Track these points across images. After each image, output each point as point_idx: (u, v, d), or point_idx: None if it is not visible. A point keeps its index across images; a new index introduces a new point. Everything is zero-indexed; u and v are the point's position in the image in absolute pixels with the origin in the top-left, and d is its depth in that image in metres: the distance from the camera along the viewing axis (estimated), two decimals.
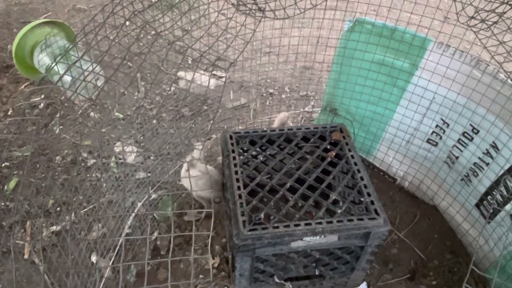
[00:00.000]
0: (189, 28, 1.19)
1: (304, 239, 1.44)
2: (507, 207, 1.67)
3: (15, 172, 2.13)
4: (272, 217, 1.46)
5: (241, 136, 1.73)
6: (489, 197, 1.77)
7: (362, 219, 1.44)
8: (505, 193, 1.68)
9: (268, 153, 1.71)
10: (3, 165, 2.16)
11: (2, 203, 2.00)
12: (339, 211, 1.47)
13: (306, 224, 1.42)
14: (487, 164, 1.74)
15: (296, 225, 1.41)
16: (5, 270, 1.76)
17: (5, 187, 2.05)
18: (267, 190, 1.54)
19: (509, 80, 1.54)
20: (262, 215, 1.44)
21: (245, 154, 1.68)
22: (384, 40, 1.80)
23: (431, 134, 1.95)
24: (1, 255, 1.79)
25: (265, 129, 1.77)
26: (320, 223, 1.42)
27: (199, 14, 1.31)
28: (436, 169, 2.00)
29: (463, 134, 1.81)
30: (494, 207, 1.74)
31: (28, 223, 1.91)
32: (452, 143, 1.88)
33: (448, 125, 1.86)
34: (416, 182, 2.10)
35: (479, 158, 1.77)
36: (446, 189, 1.97)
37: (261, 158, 1.69)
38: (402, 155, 2.09)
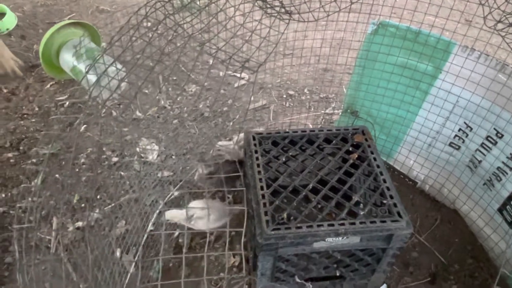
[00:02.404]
0: (217, 31, 1.21)
1: (326, 240, 1.45)
2: None
3: (41, 169, 2.19)
4: (293, 218, 1.48)
5: (263, 137, 1.75)
6: None
7: (384, 221, 1.44)
8: None
9: (290, 154, 1.73)
10: (29, 161, 2.23)
11: (30, 199, 2.06)
12: (362, 212, 1.48)
13: (329, 225, 1.43)
14: (511, 168, 1.73)
15: (319, 226, 1.42)
16: (32, 263, 1.82)
17: (32, 183, 2.12)
18: (290, 191, 1.56)
19: None
20: (285, 215, 1.46)
21: (268, 155, 1.70)
22: (408, 43, 1.80)
23: (454, 137, 1.94)
24: (29, 249, 1.85)
25: (287, 130, 1.79)
26: (343, 224, 1.43)
27: (226, 17, 1.33)
28: (458, 173, 1.99)
29: (487, 138, 1.80)
30: None
31: (54, 218, 1.96)
32: (475, 147, 1.86)
33: (471, 129, 1.85)
34: (437, 186, 2.09)
35: (502, 162, 1.76)
36: (468, 193, 1.96)
37: (283, 159, 1.71)
38: (423, 159, 2.09)
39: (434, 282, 1.84)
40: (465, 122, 1.86)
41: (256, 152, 1.69)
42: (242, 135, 2.04)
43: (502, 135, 1.73)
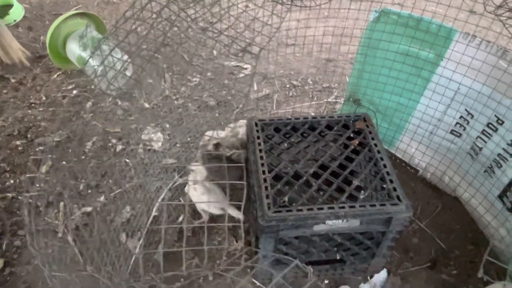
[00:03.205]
0: (220, 17, 1.24)
1: (326, 223, 1.48)
2: None
3: (48, 156, 2.23)
4: (294, 202, 1.51)
5: (266, 124, 1.78)
6: None
7: (384, 205, 1.47)
8: None
9: (292, 140, 1.76)
10: (37, 149, 2.27)
11: (37, 185, 2.10)
12: (362, 196, 1.51)
13: (329, 208, 1.46)
14: (511, 155, 1.74)
15: (319, 209, 1.45)
16: (40, 247, 1.86)
17: (39, 170, 2.16)
18: (291, 175, 1.58)
19: None
20: (286, 198, 1.49)
21: (270, 141, 1.73)
22: (410, 31, 1.81)
23: (455, 125, 1.95)
24: (37, 234, 1.89)
25: (289, 117, 1.81)
26: (343, 207, 1.46)
27: (229, 2, 1.36)
28: (459, 160, 2.00)
29: (488, 125, 1.81)
30: None
31: (61, 204, 2.01)
32: (476, 134, 1.88)
33: (472, 116, 1.86)
34: (438, 173, 2.11)
35: (503, 149, 1.77)
36: (469, 180, 1.98)
37: (285, 145, 1.74)
38: (425, 146, 2.10)
39: (434, 268, 1.86)
40: (466, 109, 1.87)
41: (258, 138, 1.71)
42: (238, 123, 2.07)
43: (503, 122, 1.74)
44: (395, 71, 1.96)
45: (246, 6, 1.24)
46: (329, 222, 1.47)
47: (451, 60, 1.79)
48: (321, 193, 1.54)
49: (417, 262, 1.87)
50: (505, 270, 1.80)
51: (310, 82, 2.79)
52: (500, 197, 1.84)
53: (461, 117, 1.91)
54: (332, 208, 1.45)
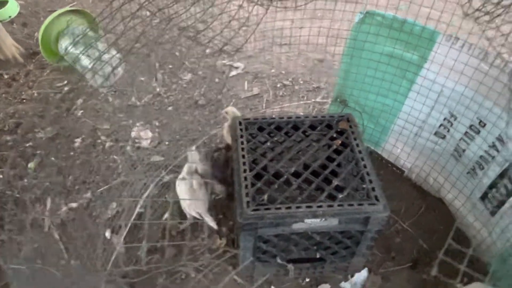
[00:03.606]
0: (200, 17, 1.25)
1: (305, 221, 1.49)
2: (511, 199, 1.68)
3: (37, 152, 2.26)
4: (275, 201, 1.52)
5: (250, 122, 1.80)
6: (493, 190, 1.78)
7: (362, 204, 1.49)
8: (509, 186, 1.70)
9: (275, 139, 1.78)
10: (27, 145, 2.30)
11: (25, 180, 2.12)
12: (340, 196, 1.52)
13: (308, 207, 1.47)
14: (493, 157, 1.76)
15: (297, 207, 1.47)
16: (26, 241, 1.89)
17: (28, 165, 2.18)
18: (272, 174, 1.60)
19: None
20: (265, 197, 1.51)
21: (253, 139, 1.75)
22: (394, 32, 1.83)
23: (439, 127, 1.96)
24: (23, 228, 1.92)
25: (273, 116, 1.83)
26: (321, 206, 1.48)
27: (211, 3, 1.37)
28: (443, 162, 2.02)
29: (470, 127, 1.82)
30: (498, 200, 1.76)
31: (48, 199, 2.03)
32: (459, 136, 1.89)
33: (455, 118, 1.88)
34: (423, 174, 2.13)
35: (485, 151, 1.79)
36: (453, 181, 1.99)
37: (269, 144, 1.76)
38: (410, 147, 2.12)
39: (415, 268, 1.87)
40: (449, 111, 1.89)
41: (241, 136, 1.73)
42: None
43: (485, 124, 1.76)
44: (380, 72, 1.97)
45: (225, 7, 1.25)
46: (307, 220, 1.49)
47: (435, 62, 1.80)
48: (301, 192, 1.56)
49: (399, 262, 1.89)
50: (486, 271, 1.81)
51: (301, 82, 2.80)
52: (482, 198, 1.86)
53: (444, 119, 1.93)
54: (311, 207, 1.47)
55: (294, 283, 1.78)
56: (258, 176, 1.59)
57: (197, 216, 1.86)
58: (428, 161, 2.08)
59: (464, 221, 1.97)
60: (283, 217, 1.46)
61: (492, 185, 1.78)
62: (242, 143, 1.70)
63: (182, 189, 1.88)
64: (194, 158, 1.95)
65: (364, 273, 1.82)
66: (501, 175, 1.73)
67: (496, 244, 1.77)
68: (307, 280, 1.80)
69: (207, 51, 2.93)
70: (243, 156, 1.64)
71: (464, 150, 1.89)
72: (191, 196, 1.83)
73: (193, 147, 2.04)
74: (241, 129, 1.76)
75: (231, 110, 2.03)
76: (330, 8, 1.83)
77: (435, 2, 1.64)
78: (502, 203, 1.75)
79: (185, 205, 1.86)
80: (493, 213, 1.80)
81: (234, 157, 1.67)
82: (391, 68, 1.93)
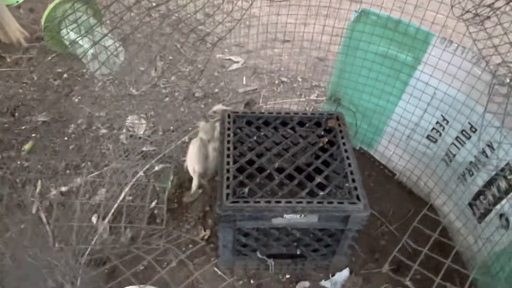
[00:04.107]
0: (186, 4, 1.26)
1: (284, 217, 1.49)
2: (497, 207, 1.66)
3: (33, 135, 2.29)
4: (256, 195, 1.52)
5: (238, 116, 1.80)
6: (481, 196, 1.76)
7: (342, 203, 1.48)
8: (497, 193, 1.67)
9: (262, 133, 1.78)
10: (23, 127, 2.33)
11: (18, 162, 2.16)
12: (321, 193, 1.52)
13: (287, 202, 1.47)
14: (483, 164, 1.73)
15: (277, 202, 1.47)
16: (14, 222, 1.92)
17: (22, 148, 2.21)
18: (256, 168, 1.60)
19: (507, 79, 1.52)
20: (246, 190, 1.51)
21: (240, 133, 1.75)
22: (389, 32, 1.81)
23: (431, 130, 1.94)
24: (13, 208, 1.95)
25: (262, 111, 1.83)
26: (301, 202, 1.47)
27: None
28: (433, 166, 2.00)
29: (462, 132, 1.80)
30: (485, 207, 1.73)
31: (39, 181, 2.06)
32: (450, 141, 1.87)
33: (447, 122, 1.85)
34: (413, 178, 2.11)
35: (475, 157, 1.76)
36: (442, 186, 1.97)
37: (255, 138, 1.76)
38: (402, 150, 2.10)
39: (398, 270, 1.86)
40: (442, 115, 1.86)
41: (228, 129, 1.73)
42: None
43: (476, 129, 1.74)
44: (374, 72, 1.95)
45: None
46: (287, 216, 1.49)
47: (428, 64, 1.78)
48: (283, 187, 1.55)
49: (381, 264, 1.87)
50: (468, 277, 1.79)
51: (300, 80, 2.79)
52: (470, 205, 1.84)
53: (437, 122, 1.90)
54: (290, 202, 1.47)
55: (274, 279, 1.78)
56: (241, 170, 1.59)
57: (191, 173, 1.91)
58: (419, 164, 2.06)
59: (451, 227, 1.95)
60: (262, 211, 1.46)
61: (480, 192, 1.76)
62: (228, 135, 1.70)
63: (191, 147, 1.94)
64: (206, 129, 2.00)
65: (345, 272, 1.81)
66: (489, 182, 1.71)
67: (481, 252, 1.75)
68: (287, 276, 1.79)
69: (208, 44, 2.94)
70: (228, 149, 1.65)
71: (454, 155, 1.87)
72: (196, 154, 1.89)
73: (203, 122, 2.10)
74: (229, 122, 1.76)
75: (220, 109, 2.05)
76: (335, 6, 1.83)
77: (430, 3, 1.62)
78: (489, 210, 1.73)
79: (188, 160, 1.92)
80: (480, 221, 1.78)
81: (220, 149, 1.68)
82: (385, 68, 1.92)
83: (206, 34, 1.19)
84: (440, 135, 1.92)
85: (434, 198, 2.03)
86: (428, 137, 1.97)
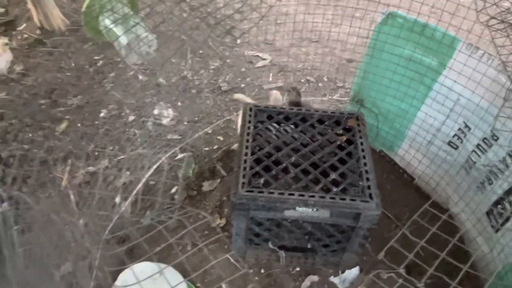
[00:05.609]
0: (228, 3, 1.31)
1: (297, 209, 1.53)
2: None
3: (66, 117, 2.42)
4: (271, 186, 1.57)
5: (260, 110, 1.85)
6: (499, 206, 1.74)
7: (354, 200, 1.51)
8: None
9: (282, 128, 1.82)
10: (58, 110, 2.47)
11: (51, 142, 2.29)
12: (335, 189, 1.55)
13: (300, 195, 1.51)
14: (502, 172, 1.72)
15: (290, 194, 1.51)
16: (44, 197, 2.04)
17: (56, 128, 2.35)
18: (272, 161, 1.65)
19: None
20: (261, 181, 1.56)
21: (260, 126, 1.80)
22: (415, 36, 1.81)
23: (453, 136, 1.93)
24: (44, 184, 2.08)
25: (283, 106, 1.87)
26: (313, 196, 1.51)
27: None
28: (453, 173, 1.98)
29: (483, 139, 1.79)
30: (503, 217, 1.71)
31: (69, 161, 2.18)
32: (471, 148, 1.85)
33: (470, 129, 1.84)
34: (432, 183, 2.10)
35: (495, 165, 1.75)
36: (460, 194, 1.95)
37: (274, 132, 1.80)
38: (422, 155, 2.09)
39: (408, 274, 1.86)
40: (464, 122, 1.85)
41: (249, 122, 1.79)
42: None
43: (498, 138, 1.72)
44: (399, 75, 1.96)
45: None
46: (299, 209, 1.53)
47: (453, 69, 1.78)
48: (298, 181, 1.59)
49: (393, 266, 1.88)
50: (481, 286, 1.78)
51: (326, 80, 2.82)
52: (488, 214, 1.82)
53: (459, 129, 1.89)
54: (303, 195, 1.51)
55: (284, 270, 1.82)
56: (258, 161, 1.64)
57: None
58: (438, 170, 2.05)
59: (467, 235, 1.94)
60: (275, 202, 1.51)
61: (499, 201, 1.74)
62: (248, 127, 1.76)
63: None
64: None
65: (355, 271, 1.83)
66: (508, 192, 1.69)
67: (495, 261, 1.73)
68: (297, 269, 1.83)
69: (238, 41, 3.01)
70: (247, 140, 1.70)
71: (475, 163, 1.85)
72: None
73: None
74: (250, 115, 1.81)
75: (240, 97, 2.10)
76: (363, 8, 1.85)
77: (457, 8, 1.61)
78: (506, 220, 1.71)
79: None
80: (496, 230, 1.76)
81: (240, 141, 1.73)
82: (410, 72, 1.92)
83: (231, 27, 1.25)
84: (462, 141, 1.90)
85: (452, 205, 2.02)
86: (449, 143, 1.96)
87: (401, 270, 1.28)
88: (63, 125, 2.38)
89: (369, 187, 1.55)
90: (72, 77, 2.71)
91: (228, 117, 2.36)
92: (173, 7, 1.56)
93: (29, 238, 1.55)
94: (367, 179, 1.58)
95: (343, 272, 1.83)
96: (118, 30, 2.69)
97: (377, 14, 1.93)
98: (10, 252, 1.48)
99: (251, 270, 1.82)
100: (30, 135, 2.31)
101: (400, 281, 1.26)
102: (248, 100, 2.11)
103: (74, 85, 2.64)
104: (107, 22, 2.76)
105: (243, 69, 2.85)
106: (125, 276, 1.62)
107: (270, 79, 2.80)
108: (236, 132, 2.25)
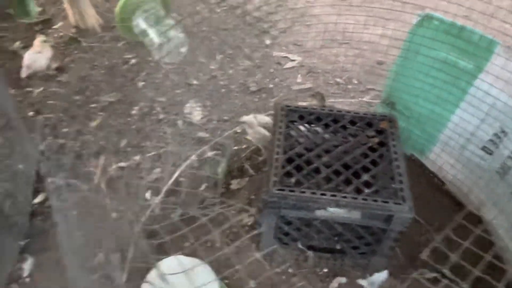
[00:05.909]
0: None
1: (328, 209, 1.53)
2: None
3: (100, 113, 2.49)
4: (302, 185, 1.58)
5: (291, 110, 1.86)
6: None
7: (387, 202, 1.50)
8: None
9: (313, 129, 1.82)
10: (92, 106, 2.54)
11: (86, 136, 2.36)
12: (367, 190, 1.54)
13: (332, 196, 1.51)
14: None
15: (322, 194, 1.52)
16: (78, 189, 2.10)
17: (91, 124, 2.42)
18: (304, 161, 1.65)
19: None
20: (293, 180, 1.57)
21: (292, 125, 1.81)
22: (451, 38, 1.79)
23: (488, 141, 1.89)
24: (77, 177, 2.14)
25: (315, 107, 1.88)
26: (345, 197, 1.51)
27: None
28: (487, 178, 1.94)
29: None
30: None
31: (102, 156, 2.24)
32: (507, 154, 1.81)
33: (506, 134, 1.80)
34: (464, 189, 2.06)
35: None
36: (494, 200, 1.91)
37: (306, 132, 1.81)
38: (454, 159, 2.05)
39: (438, 281, 1.83)
40: (500, 126, 1.81)
41: (281, 121, 1.80)
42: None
43: None
44: (432, 78, 1.93)
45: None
46: (330, 209, 1.53)
47: (490, 73, 1.74)
48: (329, 181, 1.59)
49: (422, 272, 1.85)
50: None
51: (355, 82, 2.80)
52: None
53: (494, 134, 1.85)
54: (335, 196, 1.51)
55: (312, 271, 1.82)
56: (289, 161, 1.65)
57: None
58: (471, 175, 2.01)
59: (500, 243, 1.89)
60: (306, 201, 1.51)
61: None
62: (280, 127, 1.77)
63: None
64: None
65: (383, 274, 1.81)
66: None
67: None
68: (325, 270, 1.82)
69: (267, 42, 3.02)
70: (279, 140, 1.71)
71: (510, 169, 1.81)
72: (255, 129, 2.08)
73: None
74: (281, 115, 1.83)
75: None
76: (395, 10, 1.84)
77: (497, 10, 1.58)
78: None
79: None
80: None
81: (271, 140, 1.75)
82: (444, 75, 1.89)
83: (270, 26, 1.26)
84: (497, 147, 1.86)
85: (485, 212, 1.97)
86: (483, 148, 1.92)
87: (445, 271, 1.25)
88: (97, 121, 2.45)
89: (401, 190, 1.54)
90: (105, 75, 2.78)
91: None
92: (205, 10, 1.59)
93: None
94: (400, 182, 1.57)
95: (371, 275, 1.81)
96: (150, 31, 2.76)
97: (412, 16, 1.91)
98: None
99: (278, 270, 1.83)
100: (65, 129, 2.39)
101: (445, 281, 1.23)
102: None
103: (107, 83, 2.71)
104: (140, 22, 2.83)
105: (271, 70, 2.86)
106: (159, 268, 1.65)
107: (299, 80, 2.81)
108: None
